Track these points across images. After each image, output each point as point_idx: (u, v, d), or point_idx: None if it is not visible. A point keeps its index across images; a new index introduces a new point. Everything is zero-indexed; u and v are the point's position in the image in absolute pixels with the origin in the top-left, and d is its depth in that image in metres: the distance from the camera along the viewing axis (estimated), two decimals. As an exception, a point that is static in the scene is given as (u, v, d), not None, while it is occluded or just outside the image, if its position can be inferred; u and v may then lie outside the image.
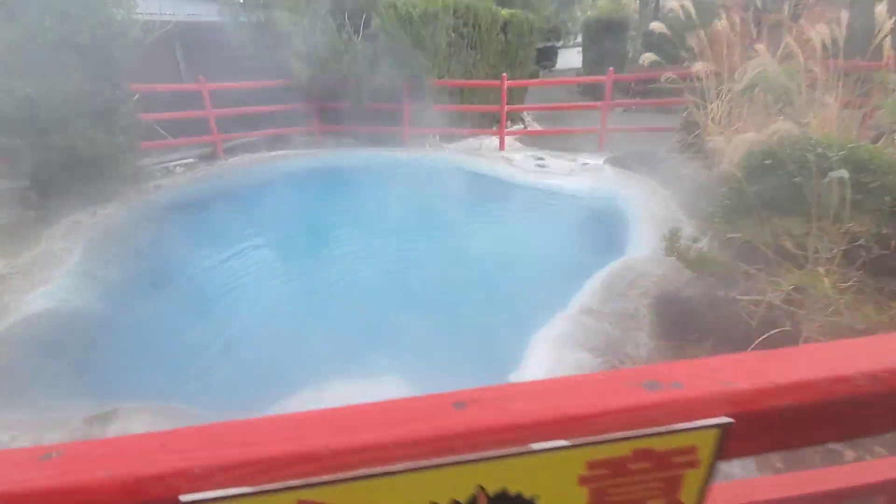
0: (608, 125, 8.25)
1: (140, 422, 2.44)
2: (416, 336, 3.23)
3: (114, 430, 2.41)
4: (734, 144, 3.00)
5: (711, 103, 5.04)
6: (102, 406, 2.65)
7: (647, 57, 5.32)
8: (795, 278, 2.36)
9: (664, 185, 5.80)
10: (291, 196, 6.82)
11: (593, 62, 15.68)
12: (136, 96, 6.09)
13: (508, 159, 7.56)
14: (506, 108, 8.35)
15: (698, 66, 4.62)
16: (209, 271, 4.87)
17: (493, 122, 10.93)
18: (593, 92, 17.57)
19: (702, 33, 4.89)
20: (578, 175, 6.58)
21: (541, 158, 7.58)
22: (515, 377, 2.75)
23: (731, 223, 2.79)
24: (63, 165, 5.34)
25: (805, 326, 2.37)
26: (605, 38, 14.99)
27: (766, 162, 2.85)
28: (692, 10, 4.74)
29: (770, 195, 2.75)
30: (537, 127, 11.91)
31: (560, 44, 27.53)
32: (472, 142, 9.87)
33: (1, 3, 4.64)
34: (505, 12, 10.40)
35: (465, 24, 8.96)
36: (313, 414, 0.54)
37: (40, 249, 4.63)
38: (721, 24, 4.65)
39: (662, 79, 5.67)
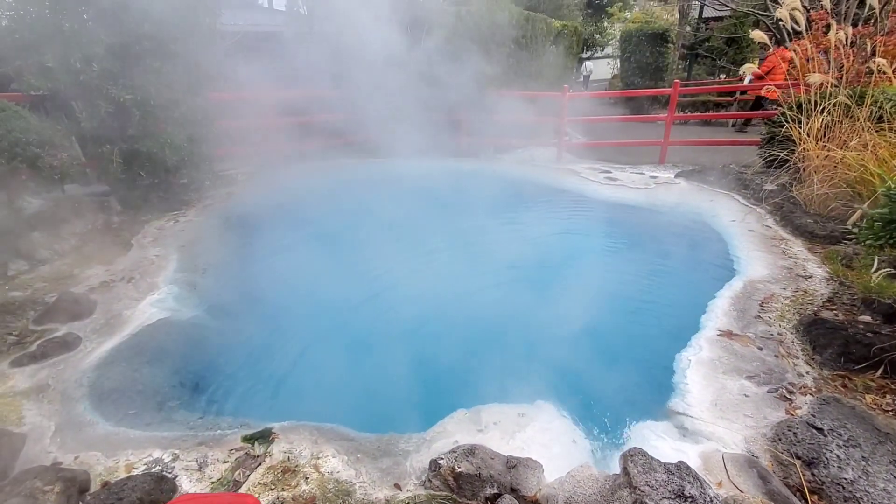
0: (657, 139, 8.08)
1: (303, 442, 2.34)
2: (556, 357, 3.10)
3: (279, 449, 2.31)
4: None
5: (813, 116, 4.88)
6: (251, 425, 2.55)
7: (748, 68, 5.18)
8: None
9: (753, 201, 5.63)
10: (381, 204, 6.69)
11: (632, 73, 15.59)
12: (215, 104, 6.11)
13: (575, 172, 7.44)
14: (566, 119, 8.24)
15: (815, 78, 4.47)
16: (310, 282, 4.47)
17: (538, 134, 10.82)
18: (626, 103, 17.48)
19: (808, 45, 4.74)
20: (655, 189, 6.43)
21: (607, 171, 7.45)
22: (677, 405, 2.60)
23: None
24: (147, 172, 5.34)
25: None
26: (645, 49, 14.90)
27: (942, 181, 2.71)
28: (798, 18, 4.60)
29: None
30: (581, 139, 11.78)
31: (587, 55, 27.66)
32: (521, 153, 9.78)
33: (105, 10, 4.65)
34: (557, 23, 10.37)
35: (524, 36, 8.93)
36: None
37: (134, 256, 4.60)
38: (834, 37, 4.51)
39: (764, 90, 5.50)
